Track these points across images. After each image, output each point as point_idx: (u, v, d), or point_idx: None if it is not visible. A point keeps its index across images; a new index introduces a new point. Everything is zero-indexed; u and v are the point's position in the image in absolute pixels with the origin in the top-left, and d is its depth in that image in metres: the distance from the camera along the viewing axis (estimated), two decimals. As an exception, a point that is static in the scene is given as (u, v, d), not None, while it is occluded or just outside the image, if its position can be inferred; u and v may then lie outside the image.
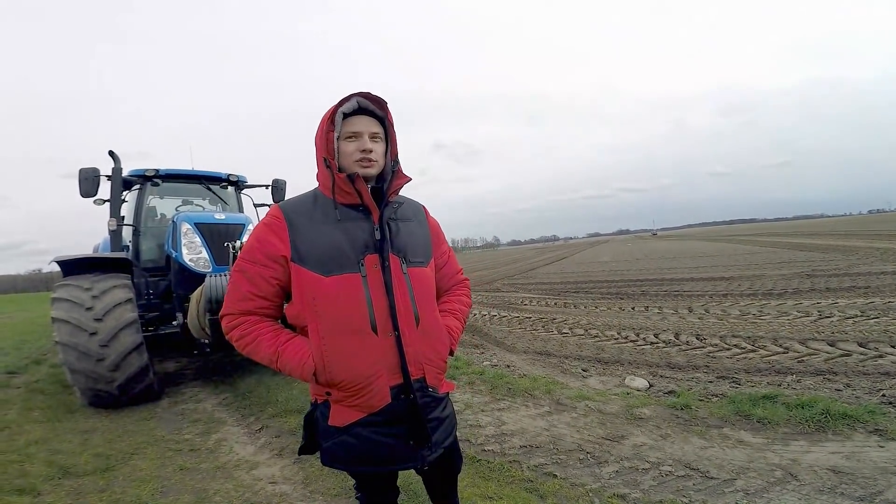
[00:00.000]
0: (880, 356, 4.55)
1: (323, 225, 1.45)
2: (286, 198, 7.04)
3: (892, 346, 4.78)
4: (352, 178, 1.43)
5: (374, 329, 1.40)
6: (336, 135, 1.47)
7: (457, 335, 1.64)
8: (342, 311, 1.39)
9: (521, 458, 3.06)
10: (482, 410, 3.95)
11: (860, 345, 4.96)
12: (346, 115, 1.48)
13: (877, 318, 6.06)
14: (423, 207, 1.71)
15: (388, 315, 1.42)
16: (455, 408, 1.89)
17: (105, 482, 3.04)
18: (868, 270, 10.71)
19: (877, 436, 2.92)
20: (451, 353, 1.61)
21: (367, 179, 1.48)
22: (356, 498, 1.75)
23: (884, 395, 3.55)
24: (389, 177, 1.53)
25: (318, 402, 1.51)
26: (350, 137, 1.46)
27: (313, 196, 1.53)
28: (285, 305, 1.53)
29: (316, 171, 1.53)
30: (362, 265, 1.42)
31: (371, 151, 1.47)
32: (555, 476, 2.79)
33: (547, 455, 3.07)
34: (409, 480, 2.65)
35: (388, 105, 1.51)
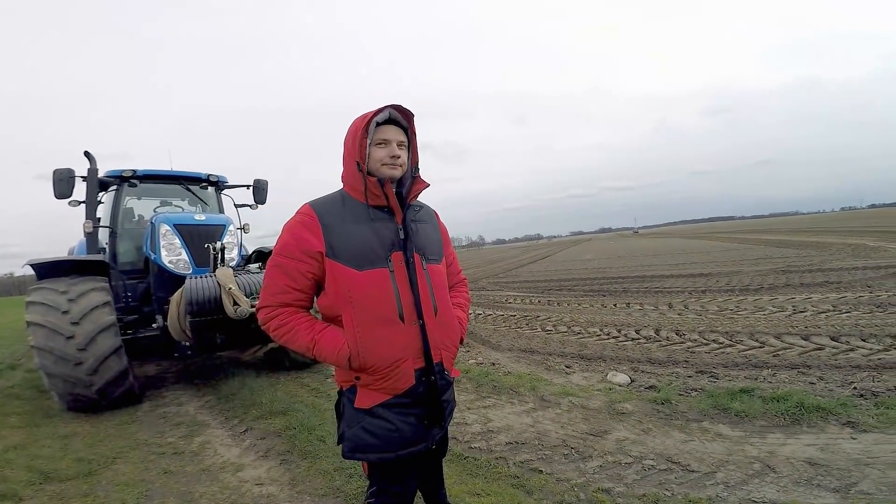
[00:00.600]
0: (851, 349, 4.69)
1: (353, 224, 1.59)
2: (267, 199, 6.96)
3: (863, 340, 4.93)
4: (381, 182, 1.58)
5: (402, 318, 1.56)
6: (368, 141, 1.60)
7: (465, 325, 1.86)
8: (374, 302, 1.54)
9: (508, 454, 3.10)
10: (468, 408, 3.98)
11: (832, 339, 5.11)
12: (377, 124, 1.62)
13: (848, 312, 6.25)
14: (435, 212, 1.86)
15: (413, 306, 1.58)
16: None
17: (88, 486, 3.00)
18: (840, 266, 11.02)
19: (849, 428, 3.02)
20: (462, 342, 1.79)
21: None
22: (366, 501, 1.76)
23: (855, 388, 3.66)
24: (409, 182, 1.68)
25: (345, 388, 1.66)
26: (380, 144, 1.61)
27: (340, 197, 1.67)
28: (318, 297, 1.65)
29: (341, 173, 1.67)
30: (390, 261, 1.58)
31: (399, 157, 1.62)
32: (540, 472, 2.83)
33: (532, 451, 3.11)
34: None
35: (413, 118, 1.66)
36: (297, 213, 1.65)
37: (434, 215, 1.84)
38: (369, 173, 1.60)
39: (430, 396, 1.61)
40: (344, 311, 1.55)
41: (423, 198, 1.80)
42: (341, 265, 1.54)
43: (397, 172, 1.63)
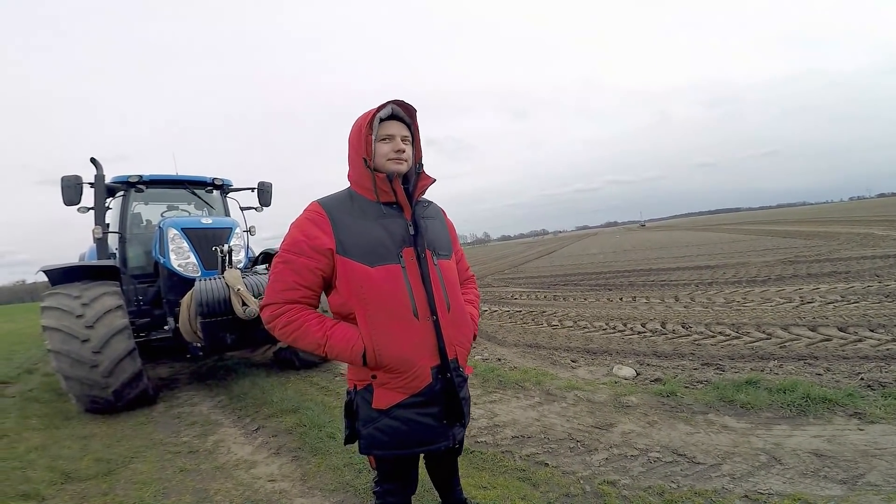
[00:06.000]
0: (859, 340, 4.67)
1: (362, 220, 1.59)
2: (272, 201, 7.04)
3: (871, 331, 4.91)
4: (390, 178, 1.59)
5: (416, 315, 1.55)
6: (372, 137, 1.61)
7: (477, 321, 1.86)
8: (388, 298, 1.53)
9: (514, 448, 3.14)
10: (474, 403, 4.03)
11: (840, 329, 5.09)
12: (381, 120, 1.62)
13: (856, 302, 6.21)
14: (442, 210, 1.87)
15: (426, 302, 1.58)
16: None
17: (107, 486, 3.08)
18: (848, 256, 10.93)
19: (856, 419, 3.00)
20: (474, 338, 1.79)
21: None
22: (373, 493, 1.81)
23: (862, 379, 3.64)
24: (414, 178, 1.68)
25: (359, 388, 1.62)
26: (385, 139, 1.61)
27: (348, 194, 1.67)
28: (328, 296, 1.64)
29: (348, 171, 1.68)
30: (401, 257, 1.57)
31: (403, 151, 1.62)
32: (546, 465, 2.86)
33: (538, 444, 3.15)
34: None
35: (416, 113, 1.65)
36: (305, 210, 1.63)
37: (441, 212, 1.84)
38: (376, 169, 1.60)
39: (448, 394, 1.60)
40: (357, 308, 1.53)
41: (430, 195, 1.80)
42: (353, 262, 1.53)
43: (403, 167, 1.63)
